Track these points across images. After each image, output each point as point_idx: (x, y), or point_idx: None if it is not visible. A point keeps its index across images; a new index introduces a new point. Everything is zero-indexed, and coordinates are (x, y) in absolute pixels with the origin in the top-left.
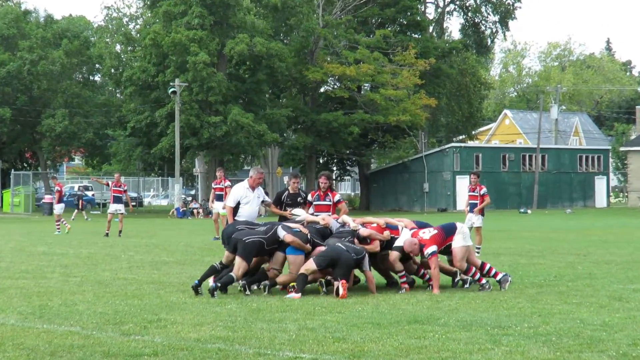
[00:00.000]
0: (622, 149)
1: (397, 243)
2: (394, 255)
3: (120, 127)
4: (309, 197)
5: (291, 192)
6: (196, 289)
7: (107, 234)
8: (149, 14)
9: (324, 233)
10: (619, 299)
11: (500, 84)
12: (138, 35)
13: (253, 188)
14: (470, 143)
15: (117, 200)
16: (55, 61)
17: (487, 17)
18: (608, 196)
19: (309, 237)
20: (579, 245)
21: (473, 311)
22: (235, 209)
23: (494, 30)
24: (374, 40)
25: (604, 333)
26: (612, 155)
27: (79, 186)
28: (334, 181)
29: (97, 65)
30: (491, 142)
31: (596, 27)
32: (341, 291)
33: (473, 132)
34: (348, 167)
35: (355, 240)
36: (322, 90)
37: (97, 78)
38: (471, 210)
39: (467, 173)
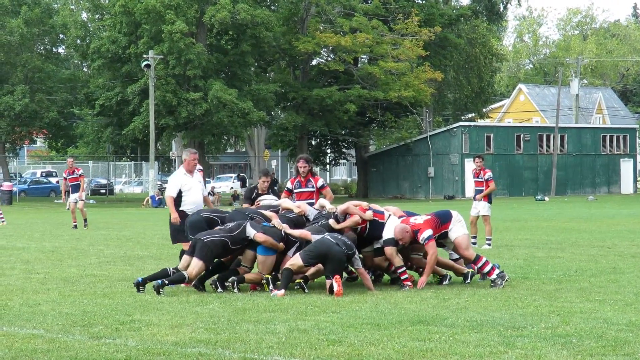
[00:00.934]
0: None
1: (386, 235)
2: (389, 250)
3: (87, 105)
4: (289, 185)
5: (260, 192)
6: (138, 286)
7: (75, 226)
8: None
9: (299, 222)
10: None
11: (514, 56)
12: (107, 1)
13: (191, 172)
14: (481, 122)
15: (76, 189)
16: (14, 31)
17: None
18: (635, 181)
19: (283, 234)
20: (602, 236)
21: (484, 310)
22: (178, 200)
23: None
24: (372, 7)
25: (630, 334)
26: None
27: (42, 172)
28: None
29: (61, 36)
30: (504, 121)
31: None
32: (336, 287)
33: (484, 110)
34: (344, 150)
35: (333, 222)
36: (314, 63)
37: (61, 50)
38: (474, 199)
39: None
